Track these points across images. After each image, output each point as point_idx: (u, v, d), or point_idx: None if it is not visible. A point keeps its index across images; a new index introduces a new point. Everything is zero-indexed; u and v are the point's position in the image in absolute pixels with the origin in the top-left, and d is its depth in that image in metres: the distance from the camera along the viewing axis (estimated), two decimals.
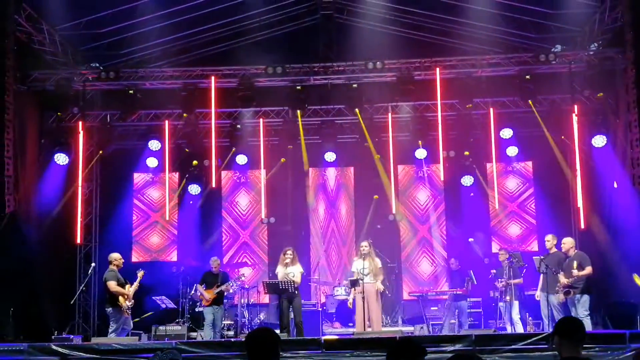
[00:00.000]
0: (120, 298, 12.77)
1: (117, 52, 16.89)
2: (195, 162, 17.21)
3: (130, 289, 12.92)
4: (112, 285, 12.82)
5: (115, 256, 13.32)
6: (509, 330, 13.68)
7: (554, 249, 13.37)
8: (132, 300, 12.98)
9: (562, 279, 12.74)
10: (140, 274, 13.29)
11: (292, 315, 13.45)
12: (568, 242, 13.07)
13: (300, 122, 17.07)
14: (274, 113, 17.66)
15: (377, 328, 12.97)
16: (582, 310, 12.43)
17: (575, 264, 12.56)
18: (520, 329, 13.67)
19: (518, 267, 13.96)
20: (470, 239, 17.11)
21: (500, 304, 14.19)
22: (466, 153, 16.95)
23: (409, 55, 16.58)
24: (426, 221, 17.97)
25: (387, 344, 10.00)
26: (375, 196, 17.45)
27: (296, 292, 13.29)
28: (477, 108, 16.99)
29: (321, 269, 17.36)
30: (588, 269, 12.59)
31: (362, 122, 16.98)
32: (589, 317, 12.44)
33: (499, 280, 14.15)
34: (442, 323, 15.28)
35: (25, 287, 14.78)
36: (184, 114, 16.93)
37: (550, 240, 13.50)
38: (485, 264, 16.21)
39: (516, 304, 13.94)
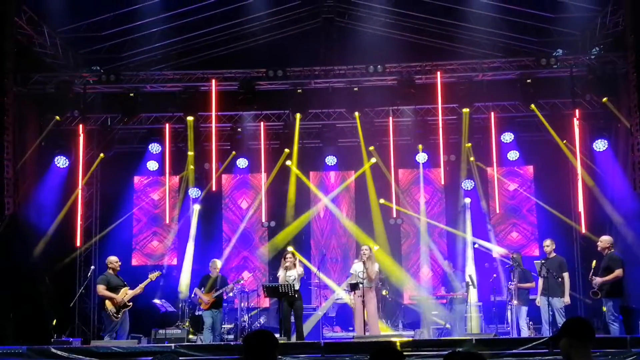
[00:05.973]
0: (107, 302, 12.67)
1: (117, 55, 16.89)
2: (192, 166, 17.14)
3: (128, 292, 12.83)
4: (100, 289, 12.79)
5: (111, 259, 13.19)
6: (512, 334, 13.58)
7: (553, 253, 13.32)
8: (130, 303, 12.82)
9: (598, 279, 12.41)
10: (152, 275, 13.08)
11: (293, 318, 13.37)
12: (605, 241, 12.72)
13: (297, 126, 17.03)
14: (274, 116, 17.64)
15: (375, 332, 12.92)
16: (609, 314, 12.19)
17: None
18: (525, 335, 13.51)
19: (519, 270, 13.82)
20: (476, 245, 16.91)
21: (509, 306, 14.07)
22: (471, 159, 16.92)
23: (410, 59, 16.60)
24: (427, 225, 17.88)
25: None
26: (382, 200, 17.39)
27: (296, 295, 13.15)
28: (478, 112, 16.99)
29: (321, 273, 17.25)
30: (618, 272, 12.37)
31: (359, 126, 16.97)
32: (616, 322, 12.18)
33: (510, 283, 14.00)
34: (442, 327, 15.20)
35: (25, 290, 14.73)
36: (187, 117, 16.87)
37: (549, 244, 13.43)
38: (486, 267, 16.15)
39: (524, 309, 13.74)
